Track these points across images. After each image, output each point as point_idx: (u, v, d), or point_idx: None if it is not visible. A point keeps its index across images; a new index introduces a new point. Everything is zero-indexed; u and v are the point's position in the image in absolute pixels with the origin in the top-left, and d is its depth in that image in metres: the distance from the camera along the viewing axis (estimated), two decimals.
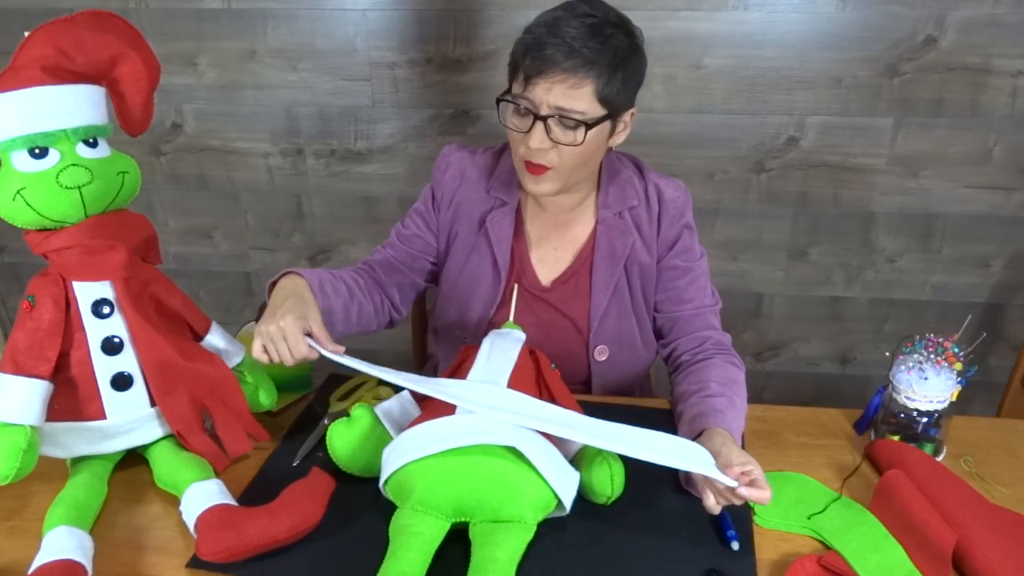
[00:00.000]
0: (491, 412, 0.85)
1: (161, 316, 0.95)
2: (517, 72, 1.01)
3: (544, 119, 0.99)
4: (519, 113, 1.02)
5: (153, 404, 0.94)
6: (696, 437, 0.95)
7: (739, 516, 0.89)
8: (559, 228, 1.18)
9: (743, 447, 1.00)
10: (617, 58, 0.98)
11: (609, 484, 0.86)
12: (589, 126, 0.99)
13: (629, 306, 1.18)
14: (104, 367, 0.91)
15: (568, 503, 0.83)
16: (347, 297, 1.10)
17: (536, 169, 1.03)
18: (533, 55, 0.97)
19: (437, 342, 1.34)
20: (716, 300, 1.19)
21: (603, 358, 1.19)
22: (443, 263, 1.24)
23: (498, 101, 1.04)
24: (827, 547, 0.85)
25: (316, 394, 1.15)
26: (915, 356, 0.98)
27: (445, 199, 1.20)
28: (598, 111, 0.99)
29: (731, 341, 1.17)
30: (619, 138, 1.08)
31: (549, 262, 1.19)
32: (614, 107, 1.01)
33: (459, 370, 1.00)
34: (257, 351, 0.93)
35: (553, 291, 1.19)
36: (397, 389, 1.00)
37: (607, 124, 1.02)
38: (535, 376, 0.99)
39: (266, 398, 1.05)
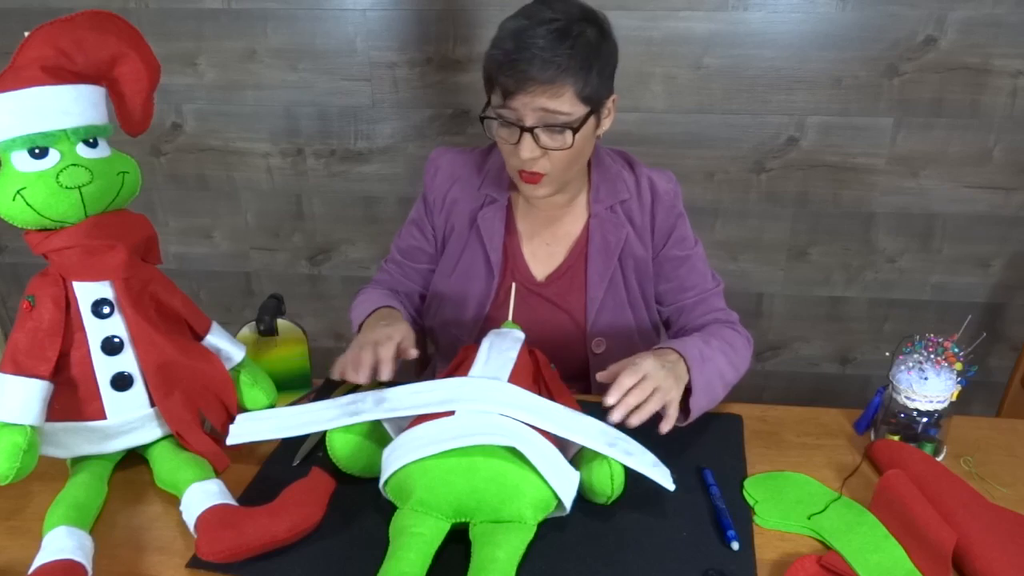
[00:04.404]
0: (488, 405, 0.86)
1: (161, 316, 0.95)
2: (494, 87, 1.02)
3: (530, 130, 1.00)
4: (504, 126, 1.03)
5: (153, 404, 0.94)
6: None
7: (739, 516, 0.89)
8: (551, 224, 1.19)
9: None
10: (590, 56, 0.98)
11: (609, 484, 0.86)
12: (575, 129, 1.00)
13: (625, 298, 1.19)
14: (104, 367, 0.91)
15: (568, 503, 0.83)
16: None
17: (531, 177, 1.05)
18: (506, 72, 0.97)
19: (433, 342, 1.34)
20: (717, 282, 1.20)
21: (600, 351, 1.20)
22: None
23: (482, 119, 1.05)
24: (827, 547, 0.85)
25: (316, 394, 1.15)
26: (915, 356, 0.98)
27: (438, 202, 1.21)
28: (581, 110, 1.00)
29: (739, 319, 1.18)
30: (605, 125, 1.09)
31: (542, 257, 1.20)
32: (595, 101, 1.02)
33: (458, 370, 1.00)
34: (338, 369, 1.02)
35: (548, 286, 1.19)
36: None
37: (592, 120, 1.03)
38: (534, 376, 0.99)
39: (265, 397, 1.05)
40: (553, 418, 0.89)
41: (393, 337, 1.02)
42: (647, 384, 0.91)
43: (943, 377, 0.95)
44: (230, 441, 0.95)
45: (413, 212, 1.26)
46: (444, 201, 1.20)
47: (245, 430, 0.96)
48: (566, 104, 0.99)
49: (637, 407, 0.90)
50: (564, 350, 1.18)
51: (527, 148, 1.01)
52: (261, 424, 0.97)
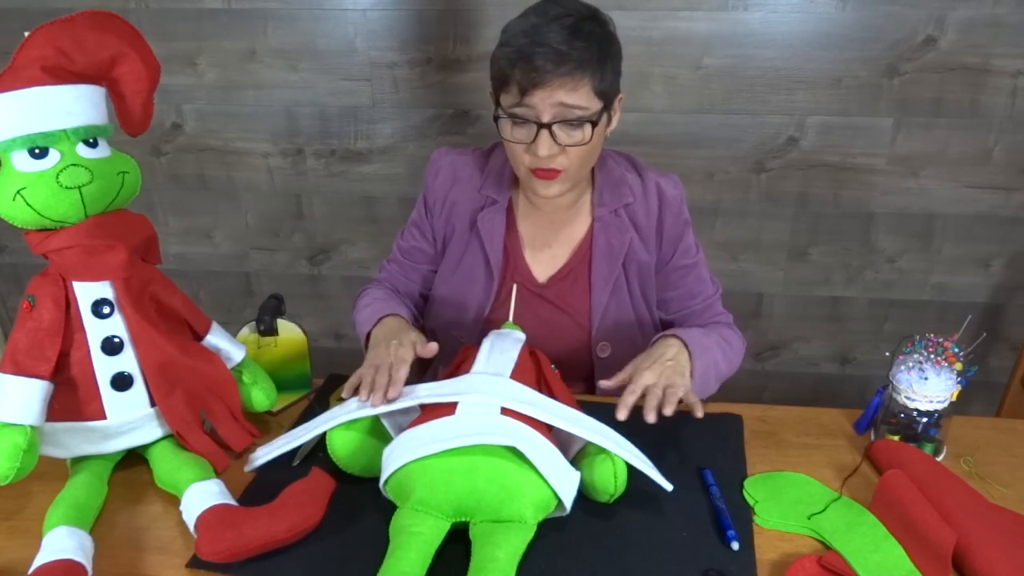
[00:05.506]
0: (490, 397, 0.87)
1: (161, 316, 0.95)
2: (507, 84, 1.01)
3: (548, 126, 0.99)
4: (519, 125, 1.02)
5: (153, 404, 0.94)
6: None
7: (739, 516, 0.89)
8: (554, 226, 1.19)
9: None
10: (603, 52, 1.00)
11: (612, 482, 0.86)
12: (594, 123, 1.00)
13: (628, 303, 1.19)
14: (104, 367, 0.91)
15: (568, 503, 0.83)
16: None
17: (547, 174, 1.04)
18: (523, 67, 0.97)
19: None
20: (717, 287, 1.24)
21: (605, 355, 1.19)
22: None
23: (496, 119, 1.05)
24: (827, 547, 0.85)
25: (316, 394, 1.15)
26: (915, 356, 0.98)
27: (438, 203, 1.21)
28: (597, 105, 1.01)
29: (732, 320, 1.23)
30: (613, 124, 1.10)
31: (544, 259, 1.20)
32: (608, 97, 1.03)
33: (459, 370, 1.00)
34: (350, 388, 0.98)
35: (550, 288, 1.19)
36: None
37: (605, 116, 1.04)
38: (535, 376, 0.99)
39: (265, 398, 1.05)
40: (555, 412, 0.89)
41: (406, 359, 0.99)
42: (659, 388, 0.94)
43: (943, 377, 0.95)
44: (248, 468, 0.96)
45: (414, 213, 1.25)
46: (444, 203, 1.20)
47: (262, 453, 0.97)
48: (584, 98, 0.99)
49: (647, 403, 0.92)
50: (567, 352, 1.18)
51: (545, 145, 1.00)
52: (275, 445, 0.98)
